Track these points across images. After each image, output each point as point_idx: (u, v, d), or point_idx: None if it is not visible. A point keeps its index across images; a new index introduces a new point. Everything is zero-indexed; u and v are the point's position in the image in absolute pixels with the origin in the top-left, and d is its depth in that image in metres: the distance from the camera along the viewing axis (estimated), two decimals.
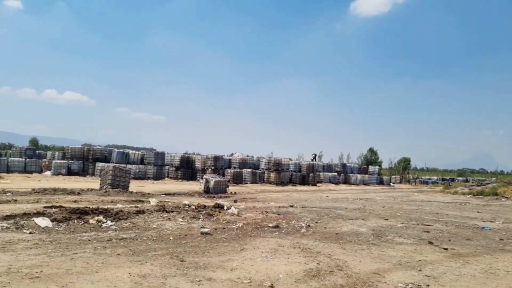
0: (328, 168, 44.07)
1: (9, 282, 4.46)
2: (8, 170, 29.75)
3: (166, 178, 32.03)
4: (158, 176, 30.95)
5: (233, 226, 9.57)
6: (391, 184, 50.19)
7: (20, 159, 32.27)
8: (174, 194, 19.42)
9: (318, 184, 37.85)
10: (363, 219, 12.26)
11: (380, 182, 48.85)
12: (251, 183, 31.98)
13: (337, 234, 9.29)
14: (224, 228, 9.28)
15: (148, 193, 17.76)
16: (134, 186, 21.41)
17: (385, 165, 66.59)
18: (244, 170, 32.80)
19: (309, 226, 10.25)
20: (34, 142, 59.71)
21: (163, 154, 32.70)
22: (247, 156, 41.58)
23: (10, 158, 32.18)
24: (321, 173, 40.95)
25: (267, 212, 12.63)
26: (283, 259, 6.47)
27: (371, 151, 64.10)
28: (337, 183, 41.56)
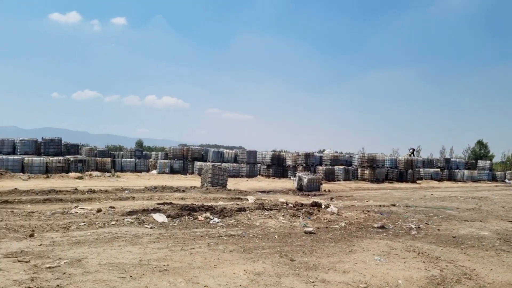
0: (429, 163, 40.59)
1: (143, 274, 4.91)
2: (122, 170, 33.49)
3: (258, 176, 32.84)
4: (251, 174, 31.90)
5: (336, 226, 9.30)
6: (507, 180, 44.20)
7: (131, 159, 36.13)
8: (268, 192, 19.78)
9: (418, 181, 35.14)
10: (481, 221, 10.93)
11: (492, 179, 43.39)
12: (344, 180, 31.04)
13: (454, 237, 8.41)
14: (327, 227, 9.07)
15: (245, 191, 18.36)
16: (230, 183, 22.31)
17: (497, 159, 58.86)
18: (336, 167, 31.98)
19: (419, 227, 9.48)
20: (139, 144, 65.72)
21: (255, 152, 33.60)
22: (336, 152, 40.42)
23: (123, 159, 36.24)
24: (420, 169, 37.93)
25: (368, 211, 12.05)
26: (399, 263, 6.04)
27: (480, 143, 57.18)
28: (440, 180, 38.07)
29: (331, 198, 16.99)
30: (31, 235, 6.88)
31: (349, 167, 33.31)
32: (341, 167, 32.40)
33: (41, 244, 6.26)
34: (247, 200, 14.35)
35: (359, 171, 33.31)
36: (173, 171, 33.33)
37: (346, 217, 10.71)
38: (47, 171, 24.18)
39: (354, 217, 10.77)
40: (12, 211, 9.50)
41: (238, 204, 12.60)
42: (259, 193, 18.46)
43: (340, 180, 30.86)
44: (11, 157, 24.15)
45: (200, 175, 30.37)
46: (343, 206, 13.90)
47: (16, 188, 14.58)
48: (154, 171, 34.20)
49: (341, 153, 39.06)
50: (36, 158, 24.61)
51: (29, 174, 22.77)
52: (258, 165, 33.87)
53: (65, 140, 30.39)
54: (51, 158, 25.22)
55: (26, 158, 24.25)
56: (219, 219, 9.50)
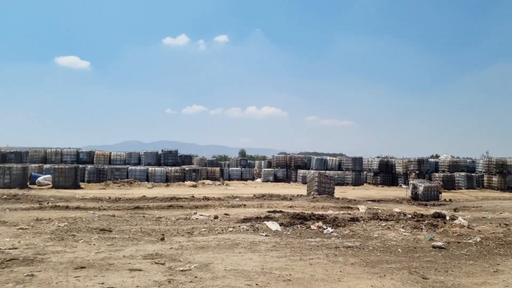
0: None
1: (268, 283, 4.89)
2: (230, 178, 35.28)
3: (365, 184, 31.28)
4: (357, 182, 30.55)
5: (470, 241, 8.15)
6: None
7: (237, 168, 37.90)
8: (379, 201, 18.59)
9: None
10: None
11: None
12: (466, 188, 27.56)
13: None
14: (458, 242, 8.01)
15: (354, 200, 17.56)
16: (337, 192, 21.57)
17: None
18: (456, 174, 28.59)
19: None
20: (242, 153, 68.44)
21: (360, 159, 32.13)
22: (452, 156, 36.15)
23: (229, 168, 38.21)
24: None
25: (506, 224, 10.36)
26: None
27: None
28: None
29: (455, 209, 15.15)
30: (162, 239, 7.52)
31: (472, 174, 29.50)
32: (462, 173, 28.85)
33: (171, 248, 6.78)
34: (358, 209, 13.67)
35: (485, 178, 29.21)
36: (276, 179, 33.88)
37: (479, 230, 9.34)
38: (167, 179, 26.78)
39: (489, 231, 9.34)
40: (144, 216, 10.61)
41: (349, 214, 12.05)
42: (369, 202, 17.46)
43: (461, 189, 27.49)
44: (138, 167, 27.43)
45: (303, 183, 30.22)
46: (472, 218, 12.25)
47: (144, 196, 16.38)
48: (259, 179, 35.22)
49: (457, 157, 34.91)
50: (158, 168, 27.48)
51: (152, 182, 25.52)
52: (364, 172, 32.30)
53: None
54: (169, 168, 27.89)
55: (150, 169, 27.26)
56: (333, 229, 9.16)
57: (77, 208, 12.22)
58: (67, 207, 12.23)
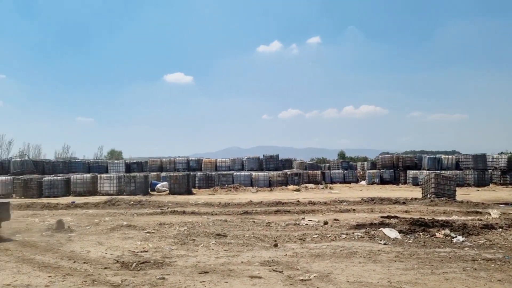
0: None
1: None
2: (332, 181, 34.35)
3: (491, 184, 27.35)
4: (480, 182, 26.86)
5: None
6: None
7: (339, 171, 36.71)
8: None
9: None
10: None
11: None
12: None
13: None
14: None
15: (481, 203, 15.33)
16: (457, 194, 19.26)
17: None
18: None
19: None
20: (342, 155, 66.30)
21: (484, 156, 28.21)
22: None
23: (331, 171, 37.23)
24: None
25: None
26: None
27: None
28: None
29: None
30: (275, 245, 7.45)
31: None
32: None
33: (286, 255, 6.64)
34: (489, 214, 11.85)
35: None
36: (382, 181, 31.84)
37: None
38: (270, 184, 27.20)
39: None
40: (254, 221, 10.77)
41: (480, 220, 10.51)
42: (502, 205, 15.07)
43: None
44: (242, 173, 28.47)
45: (414, 185, 27.77)
46: None
47: (250, 200, 16.80)
48: (363, 182, 33.57)
49: None
50: (261, 173, 28.13)
51: (256, 187, 26.19)
52: (489, 171, 28.28)
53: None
54: (272, 173, 28.31)
55: (253, 174, 28.06)
56: (464, 238, 8.02)
57: (193, 213, 13.04)
58: (184, 212, 13.15)
